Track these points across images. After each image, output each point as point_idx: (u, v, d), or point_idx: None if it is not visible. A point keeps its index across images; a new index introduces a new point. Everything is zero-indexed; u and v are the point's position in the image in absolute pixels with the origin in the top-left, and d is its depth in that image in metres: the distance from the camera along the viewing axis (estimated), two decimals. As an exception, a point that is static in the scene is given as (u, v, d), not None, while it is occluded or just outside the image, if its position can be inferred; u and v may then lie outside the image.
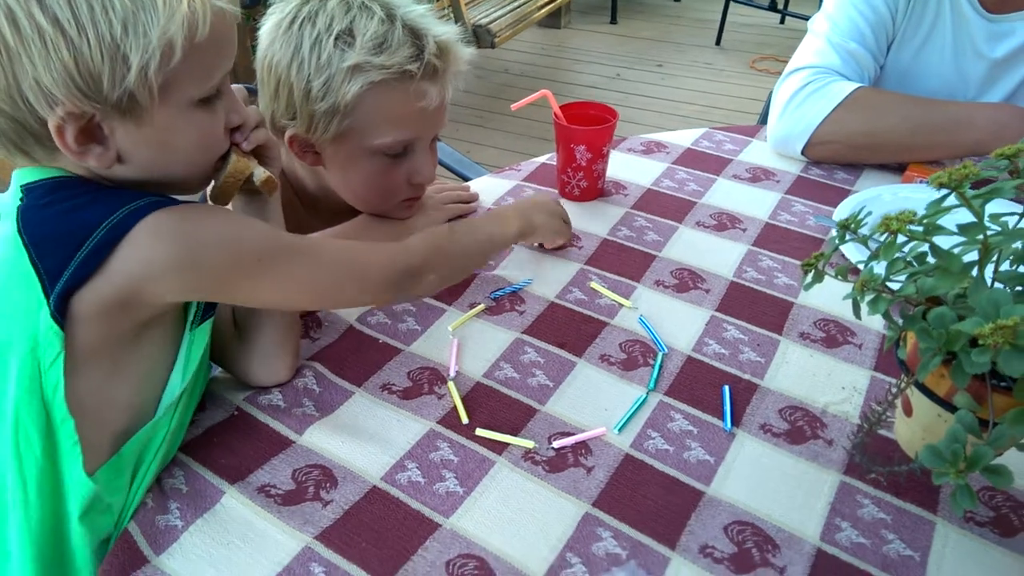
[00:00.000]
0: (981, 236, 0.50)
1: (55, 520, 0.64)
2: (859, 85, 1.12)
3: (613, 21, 4.61)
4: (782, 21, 4.44)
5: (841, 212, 1.03)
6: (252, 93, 0.77)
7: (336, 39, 0.81)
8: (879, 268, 0.57)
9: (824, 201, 1.09)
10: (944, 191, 0.49)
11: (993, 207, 0.53)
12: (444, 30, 0.86)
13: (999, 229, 0.54)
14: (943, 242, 0.54)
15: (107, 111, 0.56)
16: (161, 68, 0.56)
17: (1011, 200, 0.55)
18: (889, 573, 0.61)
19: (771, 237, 1.01)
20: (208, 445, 0.72)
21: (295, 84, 0.83)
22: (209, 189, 0.70)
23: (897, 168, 1.15)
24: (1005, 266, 0.56)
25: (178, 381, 0.68)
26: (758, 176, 1.16)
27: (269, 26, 0.85)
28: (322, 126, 0.84)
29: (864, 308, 0.55)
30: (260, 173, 0.71)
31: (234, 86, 0.68)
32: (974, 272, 0.53)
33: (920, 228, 0.51)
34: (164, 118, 0.59)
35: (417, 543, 0.63)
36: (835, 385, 0.78)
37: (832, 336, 0.84)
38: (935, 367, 0.50)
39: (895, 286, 0.57)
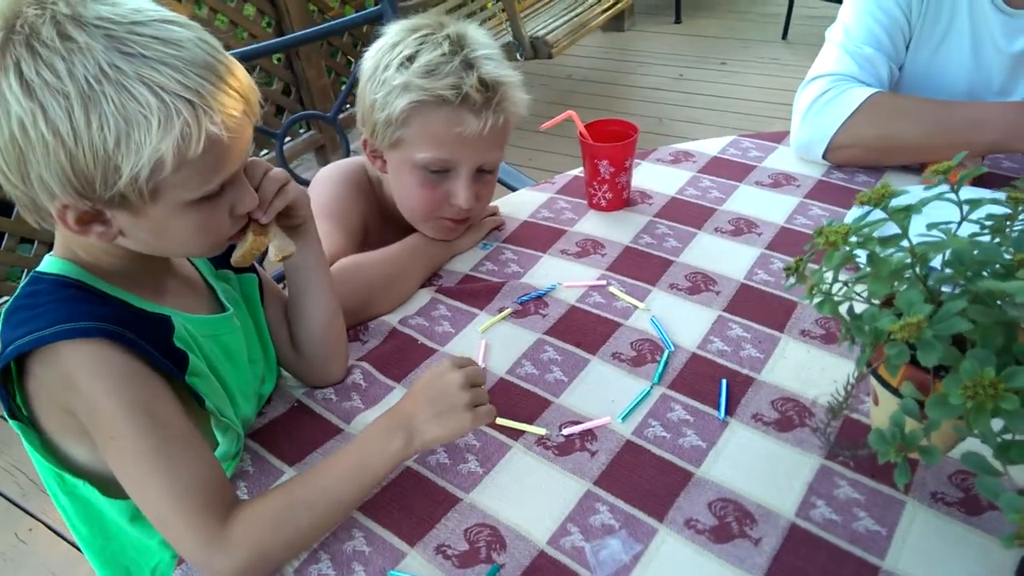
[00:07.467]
0: (907, 244, 0.57)
1: None
2: (875, 90, 1.16)
3: (678, 20, 4.63)
4: (852, 11, 4.36)
5: (852, 214, 1.08)
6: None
7: (401, 63, 0.96)
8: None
9: (844, 204, 1.14)
10: (867, 208, 0.56)
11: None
12: (495, 71, 0.96)
13: (942, 236, 0.61)
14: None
15: (102, 204, 0.64)
16: (152, 177, 0.62)
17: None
18: (856, 545, 0.68)
19: (785, 240, 1.08)
20: (273, 434, 0.86)
21: (366, 95, 1.00)
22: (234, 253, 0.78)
23: (918, 168, 1.19)
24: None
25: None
26: (779, 181, 1.22)
27: (375, 44, 1.00)
28: (380, 134, 1.00)
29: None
30: (273, 252, 0.77)
31: (276, 170, 0.77)
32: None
33: (857, 239, 0.58)
34: (158, 213, 0.66)
35: (441, 513, 0.74)
36: (828, 379, 0.85)
37: (832, 333, 0.91)
38: (867, 359, 0.58)
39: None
